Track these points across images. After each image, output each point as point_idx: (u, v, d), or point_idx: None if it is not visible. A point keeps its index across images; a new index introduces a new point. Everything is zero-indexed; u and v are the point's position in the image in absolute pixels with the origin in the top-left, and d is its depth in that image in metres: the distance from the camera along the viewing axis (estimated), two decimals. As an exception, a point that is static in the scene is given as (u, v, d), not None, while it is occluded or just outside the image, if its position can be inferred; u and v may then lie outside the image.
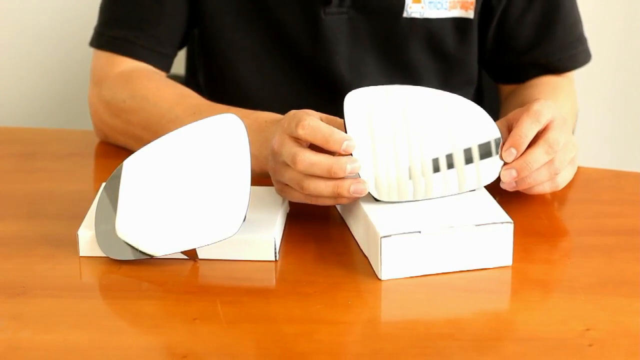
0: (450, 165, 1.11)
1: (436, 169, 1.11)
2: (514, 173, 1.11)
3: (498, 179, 1.13)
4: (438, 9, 1.40)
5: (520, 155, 1.11)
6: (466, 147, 1.11)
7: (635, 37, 2.06)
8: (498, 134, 1.12)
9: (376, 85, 1.12)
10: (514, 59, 1.47)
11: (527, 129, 1.11)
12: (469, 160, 1.11)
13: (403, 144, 1.11)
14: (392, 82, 1.16)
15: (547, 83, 1.45)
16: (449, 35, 1.42)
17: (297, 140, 1.10)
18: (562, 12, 1.44)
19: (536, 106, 1.12)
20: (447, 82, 1.45)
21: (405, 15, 1.40)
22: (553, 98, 1.37)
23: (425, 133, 1.11)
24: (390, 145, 1.10)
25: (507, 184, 1.13)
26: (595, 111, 2.06)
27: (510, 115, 1.15)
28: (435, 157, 1.11)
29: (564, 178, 1.17)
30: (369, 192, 1.10)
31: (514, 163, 1.11)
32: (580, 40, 1.47)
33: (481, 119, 1.13)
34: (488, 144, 1.12)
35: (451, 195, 1.11)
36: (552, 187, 1.16)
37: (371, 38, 1.42)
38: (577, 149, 1.16)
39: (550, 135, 1.11)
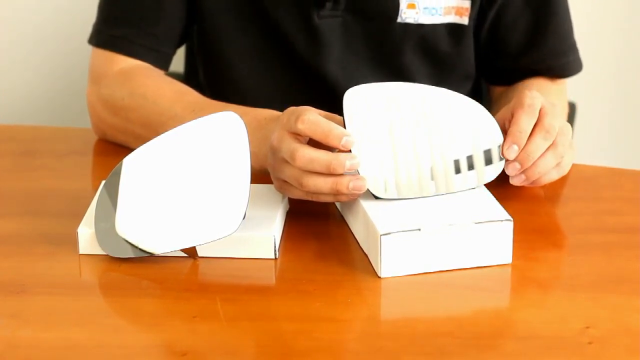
0: (471, 166, 1.12)
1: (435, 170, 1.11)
2: (517, 165, 1.13)
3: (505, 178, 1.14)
4: (432, 14, 1.40)
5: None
6: (473, 149, 1.12)
7: (636, 36, 2.06)
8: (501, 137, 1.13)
9: None
10: (505, 63, 1.47)
11: (524, 124, 1.13)
12: (470, 166, 1.12)
13: (409, 140, 1.11)
14: None
15: (536, 84, 1.44)
16: (442, 40, 1.42)
17: (297, 136, 1.10)
18: (555, 20, 1.44)
19: (528, 100, 1.14)
20: (440, 85, 1.45)
21: (399, 20, 1.40)
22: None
23: (432, 129, 1.12)
24: (391, 142, 1.11)
25: (516, 179, 1.15)
26: (594, 109, 2.06)
27: (501, 113, 1.17)
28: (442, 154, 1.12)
29: (567, 162, 1.19)
30: (368, 190, 1.10)
31: (516, 157, 1.13)
32: (572, 49, 1.47)
33: (483, 118, 1.13)
34: (489, 149, 1.13)
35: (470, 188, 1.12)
36: (559, 173, 1.19)
37: (365, 42, 1.42)
38: (571, 131, 1.18)
39: (545, 121, 1.14)
